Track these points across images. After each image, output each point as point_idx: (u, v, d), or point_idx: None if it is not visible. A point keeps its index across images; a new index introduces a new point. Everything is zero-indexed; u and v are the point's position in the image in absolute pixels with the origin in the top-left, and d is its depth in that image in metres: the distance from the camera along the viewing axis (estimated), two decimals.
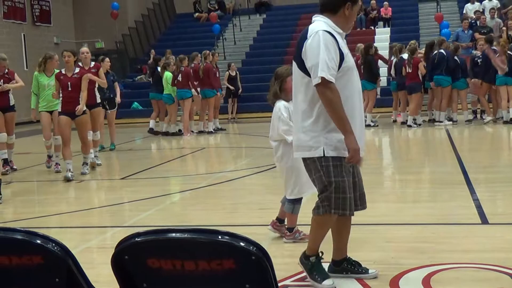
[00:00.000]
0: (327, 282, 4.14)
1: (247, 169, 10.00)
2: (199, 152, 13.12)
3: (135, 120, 20.05)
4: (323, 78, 3.76)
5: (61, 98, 9.07)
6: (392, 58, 15.57)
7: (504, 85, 13.87)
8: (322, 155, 3.93)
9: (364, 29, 23.10)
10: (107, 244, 5.89)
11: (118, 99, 12.56)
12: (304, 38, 3.93)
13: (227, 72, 18.61)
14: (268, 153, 11.83)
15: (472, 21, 19.11)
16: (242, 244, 1.86)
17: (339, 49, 3.86)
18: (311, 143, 3.95)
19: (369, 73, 14.85)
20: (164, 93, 15.15)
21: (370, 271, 4.33)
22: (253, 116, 19.08)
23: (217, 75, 16.16)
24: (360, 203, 4.21)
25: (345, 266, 4.33)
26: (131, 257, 1.96)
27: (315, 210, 4.09)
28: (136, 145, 15.29)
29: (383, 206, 6.55)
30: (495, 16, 18.98)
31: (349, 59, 3.96)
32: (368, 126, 13.91)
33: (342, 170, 3.95)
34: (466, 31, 18.32)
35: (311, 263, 4.20)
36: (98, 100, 9.88)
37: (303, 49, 3.90)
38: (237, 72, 18.89)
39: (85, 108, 9.17)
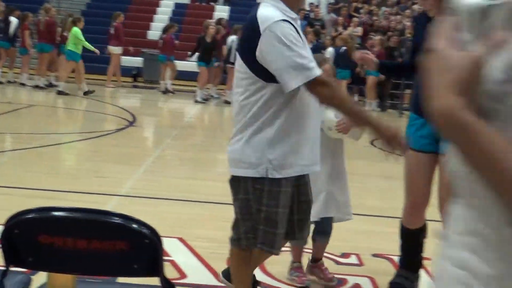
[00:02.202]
0: None
1: (79, 133, 9.84)
2: (26, 109, 12.62)
3: None
4: (315, 78, 2.96)
5: None
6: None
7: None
8: (264, 175, 3.06)
9: (204, 4, 23.01)
10: None
11: None
12: (253, 30, 3.02)
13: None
14: (99, 118, 11.73)
15: (306, 13, 20.01)
16: (135, 226, 1.97)
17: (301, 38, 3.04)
18: (252, 159, 3.07)
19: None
20: (68, 48, 14.65)
21: None
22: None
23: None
24: (298, 229, 3.31)
25: None
26: (21, 232, 1.98)
27: (234, 242, 3.25)
28: None
29: (219, 185, 6.78)
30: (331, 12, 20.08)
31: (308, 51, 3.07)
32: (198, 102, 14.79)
33: (278, 197, 3.09)
34: (301, 22, 19.12)
35: None
36: None
37: (258, 46, 2.98)
38: None
39: None
